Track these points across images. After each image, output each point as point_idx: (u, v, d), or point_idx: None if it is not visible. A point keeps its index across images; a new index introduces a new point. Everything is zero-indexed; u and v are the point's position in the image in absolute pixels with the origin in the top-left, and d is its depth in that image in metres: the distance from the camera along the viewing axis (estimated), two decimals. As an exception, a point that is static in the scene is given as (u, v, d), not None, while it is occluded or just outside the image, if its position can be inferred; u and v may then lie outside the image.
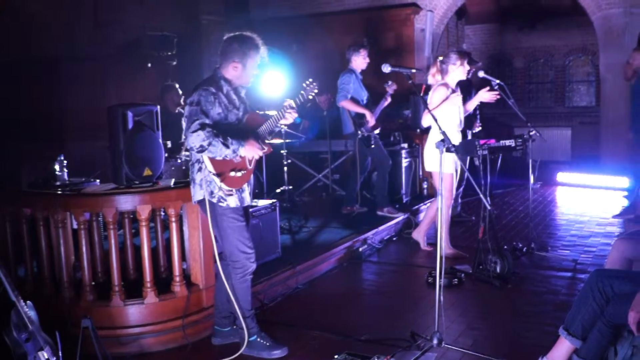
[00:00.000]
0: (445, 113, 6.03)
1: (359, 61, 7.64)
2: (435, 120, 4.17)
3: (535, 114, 14.27)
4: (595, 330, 3.25)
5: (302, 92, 4.21)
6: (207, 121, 3.80)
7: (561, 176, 11.24)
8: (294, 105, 4.15)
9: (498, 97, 6.28)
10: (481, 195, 4.23)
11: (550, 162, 12.73)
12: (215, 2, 11.50)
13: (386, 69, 4.26)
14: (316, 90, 4.32)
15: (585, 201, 9.61)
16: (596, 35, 10.85)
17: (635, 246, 3.97)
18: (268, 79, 7.93)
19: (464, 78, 6.31)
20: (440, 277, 3.97)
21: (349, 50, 7.75)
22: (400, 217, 7.63)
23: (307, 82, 4.22)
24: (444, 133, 3.86)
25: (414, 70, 4.52)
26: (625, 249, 3.96)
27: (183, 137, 6.98)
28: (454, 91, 6.18)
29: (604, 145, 10.93)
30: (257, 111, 4.44)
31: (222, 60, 4.05)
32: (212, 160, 3.88)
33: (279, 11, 12.23)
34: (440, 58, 6.31)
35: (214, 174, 3.89)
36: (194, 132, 3.75)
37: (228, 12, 11.84)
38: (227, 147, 3.81)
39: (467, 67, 6.24)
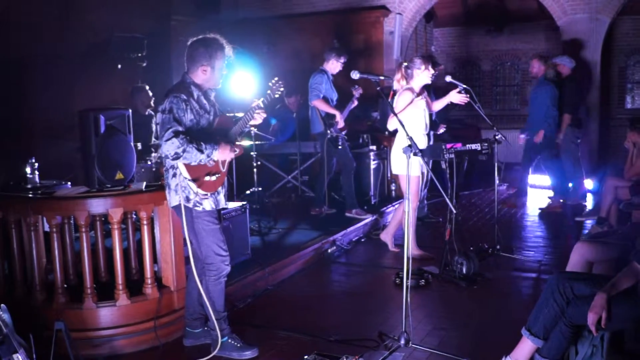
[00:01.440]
0: (411, 117, 6.15)
1: (335, 65, 7.73)
2: (402, 125, 4.25)
3: (502, 116, 14.48)
4: (557, 331, 3.37)
5: (268, 91, 4.28)
6: (180, 128, 3.82)
7: (528, 178, 11.40)
8: (262, 105, 4.22)
9: (467, 100, 6.41)
10: (447, 199, 4.33)
11: (517, 164, 12.89)
12: (185, 3, 11.45)
13: (355, 75, 4.33)
14: (282, 89, 4.40)
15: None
16: (561, 40, 11.06)
17: (595, 249, 4.11)
18: (238, 80, 7.95)
19: (429, 82, 6.43)
20: (407, 279, 4.06)
21: (330, 51, 7.82)
22: (369, 218, 7.73)
23: (273, 82, 4.29)
24: (411, 138, 3.95)
25: (382, 77, 4.61)
26: (586, 252, 4.10)
27: (153, 139, 7.05)
28: (419, 95, 6.29)
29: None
30: (227, 113, 4.49)
31: (189, 65, 4.08)
32: (187, 166, 3.92)
33: (250, 12, 12.26)
34: (405, 64, 6.40)
35: (189, 180, 3.94)
36: (167, 140, 3.77)
37: (198, 12, 11.80)
38: (202, 152, 3.85)
39: (432, 71, 6.35)
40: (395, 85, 6.43)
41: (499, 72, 14.93)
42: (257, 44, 11.43)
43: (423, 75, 6.30)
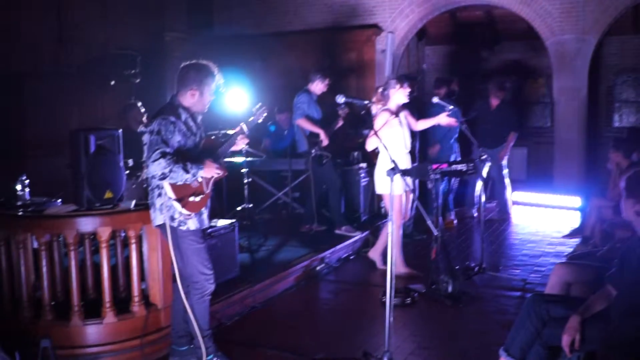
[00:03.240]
0: (391, 137, 6.26)
1: (319, 87, 7.88)
2: (385, 147, 4.34)
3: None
4: (533, 352, 3.46)
5: (250, 118, 4.39)
6: (168, 149, 3.90)
7: (516, 195, 11.51)
8: (244, 130, 4.33)
9: (455, 124, 6.53)
10: (429, 222, 4.42)
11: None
12: (179, 19, 11.59)
13: (340, 99, 4.44)
14: (265, 114, 4.52)
15: (538, 220, 9.89)
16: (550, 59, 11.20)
17: (573, 270, 4.20)
18: (231, 96, 8.02)
19: (406, 100, 6.53)
20: (390, 298, 4.13)
21: (315, 74, 7.95)
22: (358, 235, 7.80)
23: (256, 107, 4.40)
24: (393, 161, 4.04)
25: (366, 102, 4.72)
26: (564, 274, 4.19)
27: (145, 157, 7.11)
28: (397, 114, 6.39)
29: (557, 165, 11.23)
30: (212, 134, 4.59)
31: (179, 88, 4.17)
32: (172, 186, 3.99)
33: (243, 29, 12.35)
34: (381, 89, 6.52)
35: (174, 200, 4.01)
36: (155, 160, 3.85)
37: (192, 29, 11.95)
38: (187, 171, 3.93)
39: (408, 90, 6.46)
40: (374, 109, 6.51)
41: (488, 90, 15.03)
42: (249, 60, 11.52)
43: (399, 94, 6.42)
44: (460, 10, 12.97)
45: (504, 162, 9.53)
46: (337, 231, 7.87)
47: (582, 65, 10.73)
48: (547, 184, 11.39)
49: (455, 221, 9.29)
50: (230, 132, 4.51)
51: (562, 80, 10.92)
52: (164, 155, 3.86)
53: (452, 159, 8.55)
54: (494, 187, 9.93)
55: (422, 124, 6.84)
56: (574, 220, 9.02)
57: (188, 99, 4.15)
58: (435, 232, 4.65)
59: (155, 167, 3.85)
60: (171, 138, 3.96)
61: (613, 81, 13.95)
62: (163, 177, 3.88)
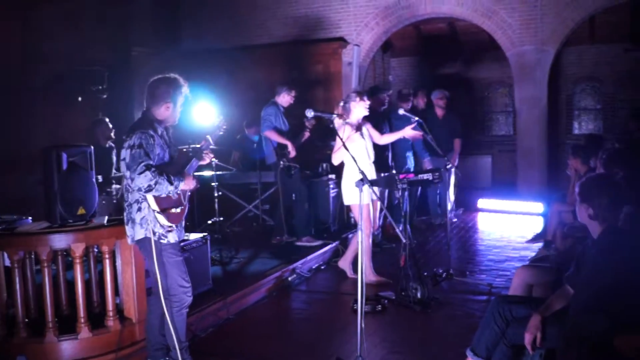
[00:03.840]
0: (354, 150, 6.39)
1: (286, 99, 8.03)
2: (354, 159, 4.48)
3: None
4: (498, 351, 3.61)
5: (207, 136, 4.52)
6: (151, 162, 4.00)
7: (482, 202, 11.77)
8: (210, 142, 4.46)
9: (421, 137, 6.71)
10: (397, 231, 4.57)
11: (472, 189, 13.28)
12: (146, 34, 11.63)
13: (309, 113, 4.58)
14: (225, 127, 4.66)
15: (503, 226, 10.13)
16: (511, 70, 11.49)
17: (534, 273, 4.39)
18: (199, 110, 8.10)
19: (367, 113, 6.67)
20: (361, 305, 4.25)
21: (281, 86, 8.09)
22: (319, 243, 7.90)
23: (217, 121, 4.53)
24: (362, 172, 4.18)
25: (335, 116, 4.86)
26: (526, 276, 4.38)
27: (114, 171, 7.18)
28: (359, 128, 6.54)
29: (520, 172, 11.51)
30: (183, 147, 4.70)
31: (151, 103, 4.25)
32: (155, 198, 4.08)
33: (210, 43, 12.45)
34: (341, 102, 6.66)
35: (158, 212, 4.10)
36: (140, 173, 3.92)
37: (159, 44, 11.99)
38: (171, 183, 4.03)
39: (367, 102, 6.62)
40: (336, 122, 6.62)
41: (454, 99, 15.29)
42: (217, 74, 11.62)
43: (359, 107, 6.57)
44: (424, 23, 13.24)
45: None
46: (297, 243, 7.97)
47: (542, 75, 11.06)
48: (511, 191, 11.66)
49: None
50: (197, 145, 4.63)
51: (523, 90, 11.22)
52: (148, 167, 3.95)
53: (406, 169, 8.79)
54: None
55: (387, 138, 7.00)
56: (537, 225, 9.25)
57: (162, 112, 4.24)
58: (404, 240, 4.79)
59: (142, 180, 3.93)
60: (152, 151, 4.05)
61: (572, 90, 14.35)
62: (149, 189, 3.97)
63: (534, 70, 11.02)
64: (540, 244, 8.01)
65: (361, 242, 4.20)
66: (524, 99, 11.23)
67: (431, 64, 15.18)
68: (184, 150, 4.66)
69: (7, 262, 4.59)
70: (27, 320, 4.53)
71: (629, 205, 3.69)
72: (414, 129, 6.71)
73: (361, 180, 4.08)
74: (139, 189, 4.00)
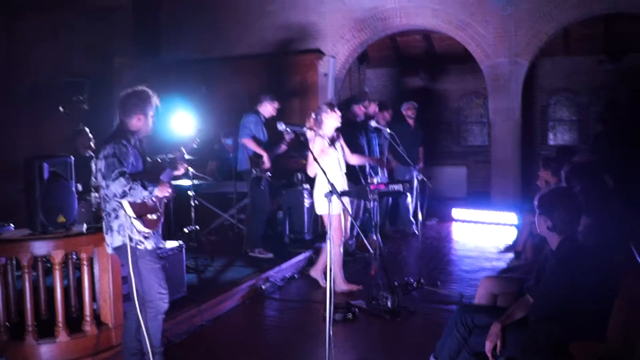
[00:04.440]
0: (326, 161, 6.54)
1: (269, 109, 8.07)
2: (324, 171, 4.59)
3: (434, 152, 15.04)
4: (461, 358, 3.75)
5: (180, 148, 4.65)
6: (125, 169, 4.15)
7: (456, 212, 11.94)
8: (184, 154, 4.58)
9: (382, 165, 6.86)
10: (365, 241, 4.69)
11: (447, 199, 13.47)
12: (126, 45, 11.70)
13: (281, 126, 4.71)
14: (198, 140, 4.81)
15: (476, 237, 10.29)
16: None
17: (499, 283, 4.54)
18: (177, 120, 8.16)
19: (339, 124, 6.78)
20: (330, 312, 4.36)
21: (265, 95, 8.15)
22: (270, 256, 7.95)
23: (191, 135, 4.64)
24: (332, 184, 4.30)
25: (305, 129, 4.99)
26: (490, 286, 4.53)
27: (93, 180, 7.25)
28: (331, 141, 6.69)
29: (494, 182, 11.66)
30: (158, 157, 4.82)
31: (124, 116, 4.41)
32: (131, 204, 4.22)
33: (190, 54, 12.54)
34: (313, 114, 6.78)
35: (134, 218, 4.22)
36: (115, 179, 4.08)
37: (140, 54, 12.07)
38: (145, 188, 4.18)
39: (339, 113, 6.75)
40: (309, 134, 6.74)
41: (429, 110, 15.54)
42: (195, 85, 11.66)
43: (331, 119, 6.69)
44: (400, 35, 13.44)
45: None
46: (250, 254, 8.02)
47: (516, 87, 11.21)
48: (486, 202, 11.79)
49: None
50: (171, 156, 4.76)
51: (497, 102, 11.38)
52: (122, 174, 4.10)
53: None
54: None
55: (357, 159, 7.13)
56: (510, 236, 9.41)
57: (135, 124, 4.40)
58: (371, 250, 4.92)
59: (116, 186, 4.08)
60: (125, 160, 4.20)
61: (547, 101, 14.61)
62: (124, 194, 4.11)
63: (508, 82, 11.18)
64: (512, 255, 8.16)
65: (330, 251, 4.32)
66: (497, 111, 11.38)
67: (407, 74, 15.40)
68: (159, 160, 4.77)
69: None
70: (7, 323, 4.66)
71: (588, 217, 3.85)
72: (384, 140, 6.87)
73: (330, 191, 4.20)
74: (115, 195, 4.15)
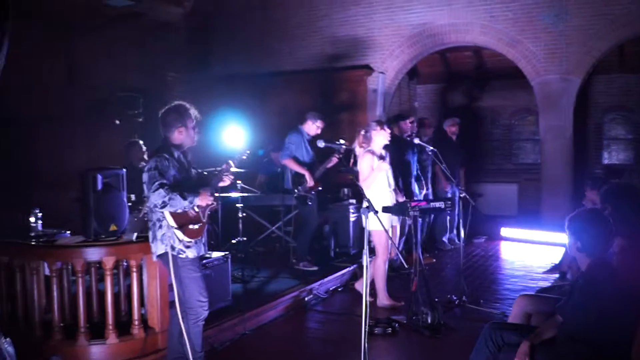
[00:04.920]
0: (376, 178, 6.68)
1: (312, 127, 8.17)
2: (362, 190, 4.72)
3: (484, 170, 14.98)
4: (491, 374, 3.81)
5: (229, 160, 4.84)
6: (165, 181, 4.36)
7: (505, 231, 11.85)
8: (231, 165, 4.77)
9: None
10: (401, 258, 4.77)
11: (498, 217, 13.37)
12: (179, 60, 12.08)
13: (321, 144, 4.88)
14: (248, 152, 4.99)
15: (525, 256, 10.19)
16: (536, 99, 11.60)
17: (533, 302, 4.57)
18: (229, 134, 8.38)
19: (387, 141, 6.91)
20: (365, 325, 4.48)
21: (309, 113, 8.27)
22: (315, 269, 8.09)
23: (225, 166, 4.80)
24: (368, 200, 4.42)
25: (343, 146, 5.13)
26: (525, 305, 4.56)
27: (145, 193, 7.54)
28: (380, 158, 6.80)
29: (544, 201, 11.55)
30: (206, 171, 5.02)
31: (166, 131, 4.64)
32: (172, 215, 4.43)
33: (240, 68, 12.83)
34: (363, 131, 6.91)
35: (175, 228, 4.42)
36: (155, 191, 4.30)
37: (192, 68, 12.44)
38: (185, 199, 4.37)
39: (388, 131, 6.88)
40: (358, 150, 6.89)
41: (480, 127, 15.50)
42: (246, 99, 11.94)
43: (380, 136, 6.84)
44: (450, 51, 13.46)
45: None
46: (295, 267, 8.19)
47: (567, 104, 11.10)
48: (537, 220, 11.65)
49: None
50: (219, 168, 4.94)
51: (548, 119, 11.28)
52: (162, 185, 4.32)
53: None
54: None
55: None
56: (558, 256, 9.31)
57: (176, 137, 4.63)
58: (406, 266, 5.01)
59: (156, 197, 4.29)
60: (167, 172, 4.43)
61: (601, 119, 14.35)
62: (164, 205, 4.32)
63: (559, 99, 11.07)
64: (557, 275, 8.11)
65: (367, 265, 4.43)
66: (548, 128, 11.28)
67: (457, 90, 15.38)
68: (205, 172, 4.98)
69: (47, 272, 5.02)
70: (62, 324, 4.96)
71: (623, 238, 3.88)
72: (427, 157, 6.94)
73: (367, 207, 4.32)
74: (155, 206, 4.37)
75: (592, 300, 3.35)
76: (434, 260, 9.42)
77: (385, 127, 6.88)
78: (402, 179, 7.06)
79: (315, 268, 8.11)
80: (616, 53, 12.80)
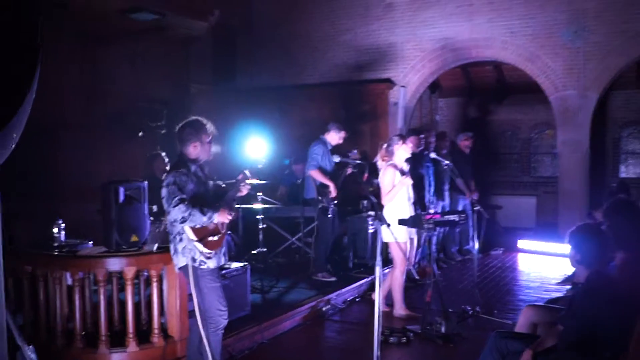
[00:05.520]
0: (398, 192, 6.86)
1: (335, 138, 8.32)
2: (372, 203, 4.91)
3: (503, 182, 15.11)
4: (497, 381, 3.98)
5: (245, 170, 5.01)
6: (185, 197, 4.54)
7: (522, 243, 11.95)
8: (248, 175, 4.94)
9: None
10: (412, 268, 4.95)
11: (516, 229, 13.47)
12: (204, 72, 12.34)
13: (336, 159, 5.05)
14: (264, 160, 5.14)
15: (540, 268, 10.30)
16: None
17: (539, 312, 4.72)
18: (252, 144, 8.52)
19: (409, 155, 7.11)
20: (377, 334, 4.66)
21: (332, 124, 8.43)
22: (333, 279, 8.26)
23: (241, 177, 4.98)
24: (381, 213, 4.61)
25: (358, 161, 5.33)
26: (532, 315, 4.71)
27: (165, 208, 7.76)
28: (402, 171, 6.98)
29: (561, 214, 11.66)
30: (225, 183, 5.20)
31: (182, 146, 4.82)
32: (192, 229, 4.61)
33: (264, 81, 13.12)
34: (385, 145, 7.10)
35: (196, 241, 4.61)
36: (175, 206, 4.48)
37: (216, 80, 12.70)
38: (204, 214, 4.55)
39: (410, 145, 7.06)
40: (380, 163, 7.11)
41: (500, 140, 15.61)
42: (269, 111, 12.20)
43: (402, 150, 7.03)
44: (471, 65, 13.62)
45: None
46: (313, 277, 8.36)
47: (584, 119, 11.23)
48: (555, 233, 11.75)
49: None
50: (236, 179, 5.12)
51: (565, 134, 11.43)
52: (182, 201, 4.50)
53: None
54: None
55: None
56: (571, 267, 9.38)
57: (192, 151, 4.80)
58: (416, 277, 5.18)
59: (176, 212, 4.48)
60: (185, 187, 4.60)
61: (619, 133, 14.44)
62: (183, 220, 4.50)
63: (577, 114, 11.21)
64: (569, 286, 8.20)
65: (379, 277, 4.61)
66: (566, 142, 11.42)
67: (478, 104, 15.52)
68: (223, 184, 5.15)
69: (69, 281, 5.22)
70: (83, 332, 5.14)
71: (624, 251, 4.04)
72: (443, 170, 7.10)
73: (379, 220, 4.51)
74: (175, 221, 4.54)
75: (589, 310, 3.51)
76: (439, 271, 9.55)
77: (407, 141, 7.06)
78: (415, 192, 7.20)
79: (333, 279, 8.28)
80: (634, 69, 12.91)
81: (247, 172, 5.03)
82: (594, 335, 3.48)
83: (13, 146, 2.20)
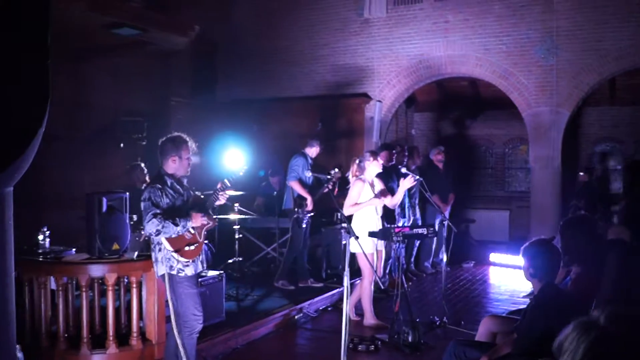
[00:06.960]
0: (364, 205, 7.13)
1: (314, 151, 8.71)
2: (342, 216, 5.16)
3: (478, 196, 15.39)
4: (454, 386, 4.22)
5: (225, 179, 5.22)
6: (158, 211, 4.81)
7: (494, 256, 12.23)
8: (227, 185, 5.17)
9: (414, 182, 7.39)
10: (378, 279, 5.20)
11: (489, 242, 13.76)
12: (184, 85, 12.58)
13: (308, 173, 5.29)
14: (245, 167, 5.37)
15: (510, 281, 10.55)
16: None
17: (498, 322, 4.97)
18: (230, 156, 8.66)
19: (380, 170, 7.41)
20: (345, 341, 4.88)
21: (313, 139, 8.84)
22: (292, 288, 8.54)
23: (220, 185, 5.20)
24: (348, 226, 4.85)
25: (329, 177, 5.57)
26: (491, 325, 4.96)
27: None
28: (372, 184, 7.23)
29: (533, 228, 11.87)
30: (204, 193, 5.41)
31: (162, 160, 5.07)
32: (168, 240, 4.86)
33: (242, 94, 13.30)
34: (357, 160, 7.37)
35: (172, 252, 4.84)
36: (149, 221, 4.77)
37: (195, 94, 12.91)
38: (177, 225, 4.81)
39: (380, 161, 7.34)
40: (351, 178, 7.36)
41: (474, 154, 15.90)
42: (247, 123, 12.39)
43: (373, 166, 7.31)
44: (447, 80, 13.90)
45: None
46: (275, 284, 8.65)
47: (557, 135, 11.45)
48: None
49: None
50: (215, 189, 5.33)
51: (537, 149, 11.66)
52: (155, 215, 4.76)
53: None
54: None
55: (398, 197, 7.63)
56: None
57: (170, 165, 5.06)
58: (382, 287, 5.42)
59: (150, 226, 4.75)
60: (160, 201, 4.86)
61: (592, 149, 14.77)
62: (158, 232, 4.77)
63: (549, 130, 11.43)
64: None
65: (347, 287, 4.84)
66: (538, 158, 11.66)
67: (453, 119, 15.83)
68: (202, 195, 5.35)
69: (53, 286, 5.50)
70: (66, 335, 5.42)
71: (578, 265, 4.32)
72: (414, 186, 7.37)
73: (347, 232, 4.75)
74: (150, 234, 4.81)
75: (539, 320, 3.76)
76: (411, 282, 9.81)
77: (378, 158, 7.34)
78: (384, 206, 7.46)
79: (292, 287, 8.56)
80: (607, 87, 13.23)
81: (226, 181, 5.23)
82: (545, 343, 3.71)
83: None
